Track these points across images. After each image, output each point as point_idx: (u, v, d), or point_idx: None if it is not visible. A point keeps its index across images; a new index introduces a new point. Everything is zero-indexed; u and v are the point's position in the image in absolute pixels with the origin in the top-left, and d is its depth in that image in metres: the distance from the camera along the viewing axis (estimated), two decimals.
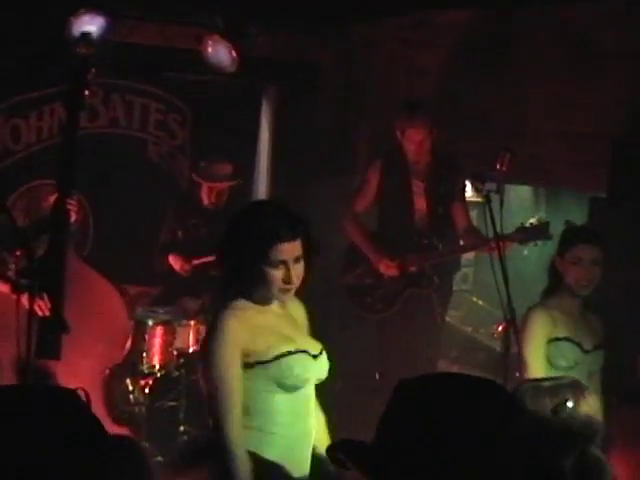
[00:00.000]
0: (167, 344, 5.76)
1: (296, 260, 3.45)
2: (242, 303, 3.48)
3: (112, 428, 4.35)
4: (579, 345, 4.38)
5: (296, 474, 3.48)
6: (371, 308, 6.13)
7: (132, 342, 5.35)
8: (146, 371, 5.72)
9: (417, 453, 1.66)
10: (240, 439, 3.37)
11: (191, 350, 5.83)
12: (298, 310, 3.73)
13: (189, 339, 5.89)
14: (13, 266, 4.40)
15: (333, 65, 7.65)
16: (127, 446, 1.92)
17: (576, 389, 3.06)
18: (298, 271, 3.47)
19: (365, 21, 7.29)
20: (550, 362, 4.34)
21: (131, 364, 5.62)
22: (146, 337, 5.68)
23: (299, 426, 3.51)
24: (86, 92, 4.57)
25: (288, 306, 3.67)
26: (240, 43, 6.64)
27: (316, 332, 3.73)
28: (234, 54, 6.61)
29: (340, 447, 1.78)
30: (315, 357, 3.55)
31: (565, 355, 4.36)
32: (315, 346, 3.59)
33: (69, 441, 1.62)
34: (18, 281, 4.37)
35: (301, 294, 3.62)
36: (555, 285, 4.54)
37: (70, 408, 1.67)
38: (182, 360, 5.85)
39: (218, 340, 3.40)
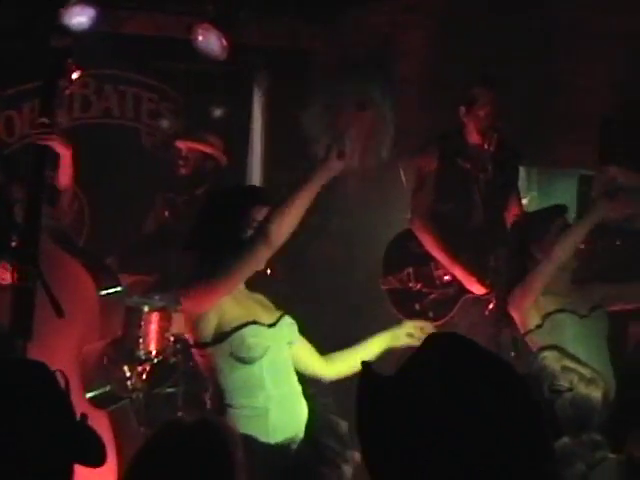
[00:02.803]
0: (163, 330, 5.80)
1: None
2: None
3: (89, 411, 4.41)
4: (574, 312, 4.36)
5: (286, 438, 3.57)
6: (420, 316, 5.33)
7: (127, 328, 5.45)
8: (143, 357, 5.76)
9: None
10: None
11: (187, 336, 5.87)
12: None
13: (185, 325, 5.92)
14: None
15: (324, 50, 7.67)
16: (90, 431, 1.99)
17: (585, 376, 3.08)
18: None
19: (354, 5, 7.31)
20: (550, 335, 4.33)
21: (128, 350, 5.67)
22: (142, 323, 5.72)
23: (274, 393, 3.60)
24: (61, 83, 4.56)
25: None
26: (230, 31, 6.67)
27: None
28: (225, 42, 6.64)
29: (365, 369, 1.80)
30: (272, 325, 3.65)
31: (562, 326, 4.35)
32: (271, 316, 3.70)
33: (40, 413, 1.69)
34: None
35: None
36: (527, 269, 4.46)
37: (42, 383, 1.74)
38: (179, 346, 5.88)
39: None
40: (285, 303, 3.90)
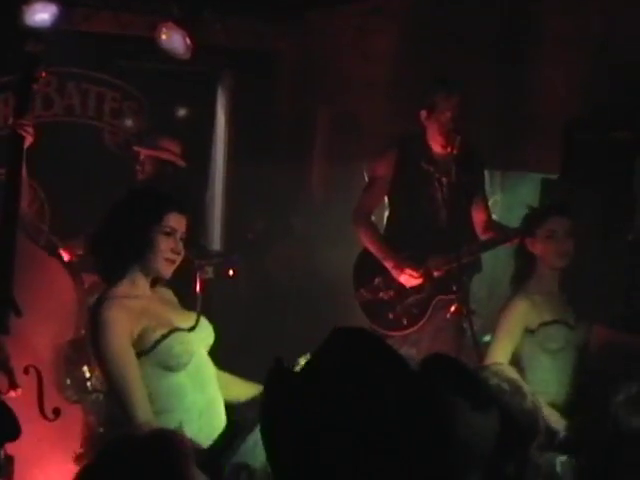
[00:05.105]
0: None
1: (182, 235, 3.57)
2: (122, 289, 3.55)
3: (63, 405, 4.47)
4: (566, 324, 4.40)
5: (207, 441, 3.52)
6: (396, 325, 5.44)
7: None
8: None
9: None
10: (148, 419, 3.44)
11: None
12: (166, 292, 3.80)
13: None
14: None
15: (289, 52, 7.66)
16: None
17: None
18: (182, 246, 3.58)
19: (319, 8, 7.31)
20: (542, 347, 4.34)
21: (87, 351, 5.61)
22: None
23: (200, 398, 3.57)
24: (34, 87, 4.55)
25: (158, 291, 3.72)
26: (195, 30, 6.65)
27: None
28: (189, 41, 6.61)
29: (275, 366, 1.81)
30: (192, 329, 3.61)
31: (555, 338, 4.36)
32: (188, 319, 3.65)
33: None
34: None
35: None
36: (527, 268, 4.51)
37: None
38: None
39: (106, 335, 3.45)
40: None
